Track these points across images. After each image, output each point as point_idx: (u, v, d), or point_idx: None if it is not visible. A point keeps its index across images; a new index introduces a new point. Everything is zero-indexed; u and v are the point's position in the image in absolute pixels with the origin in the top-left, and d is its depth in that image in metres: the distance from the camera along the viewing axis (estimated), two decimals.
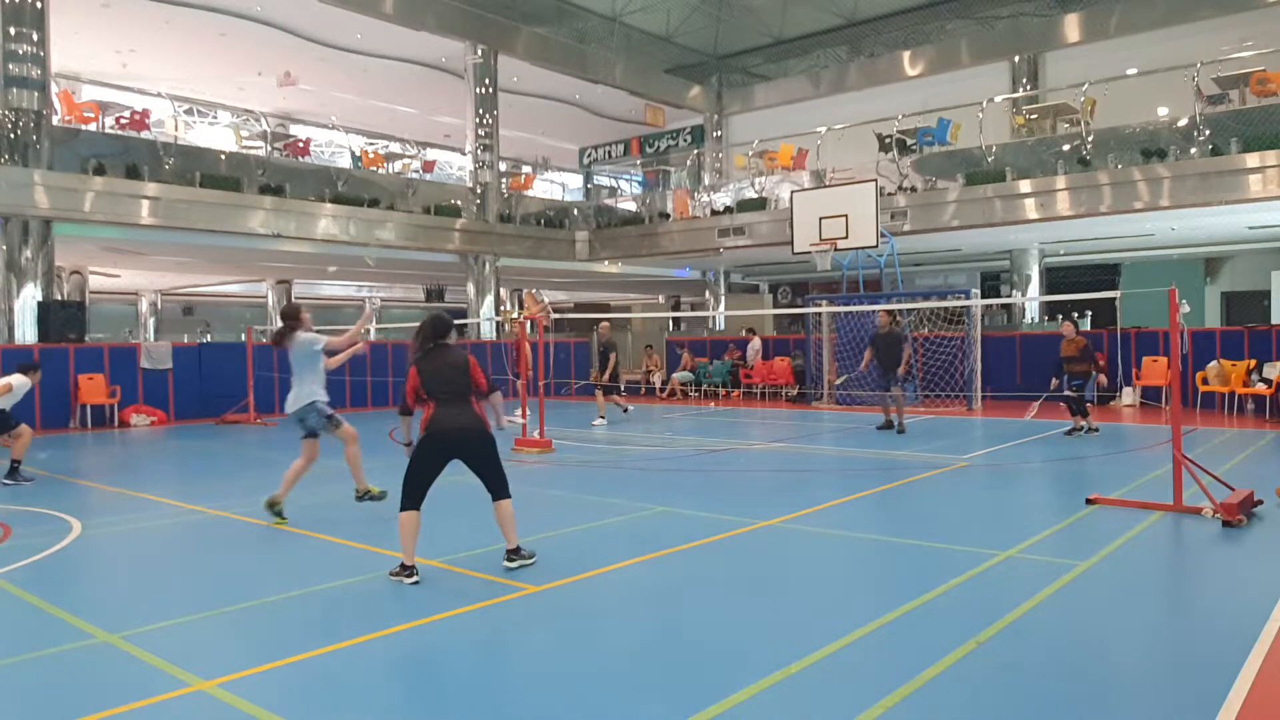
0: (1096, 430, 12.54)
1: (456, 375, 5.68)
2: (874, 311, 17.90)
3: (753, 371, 21.45)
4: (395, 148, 25.02)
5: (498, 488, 5.80)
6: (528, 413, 12.73)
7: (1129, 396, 16.98)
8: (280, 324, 7.53)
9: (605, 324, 16.66)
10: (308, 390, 7.34)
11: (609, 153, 33.16)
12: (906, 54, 26.39)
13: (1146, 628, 4.74)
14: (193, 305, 35.53)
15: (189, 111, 26.73)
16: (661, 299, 36.11)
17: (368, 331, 7.67)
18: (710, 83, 30.49)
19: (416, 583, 5.46)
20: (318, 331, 7.58)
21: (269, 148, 21.44)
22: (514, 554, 5.81)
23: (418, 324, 5.93)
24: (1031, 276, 23.50)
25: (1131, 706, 3.73)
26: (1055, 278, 27.20)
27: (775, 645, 4.35)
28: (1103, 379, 12.40)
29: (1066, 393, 12.33)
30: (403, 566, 5.54)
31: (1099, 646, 4.36)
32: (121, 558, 6.61)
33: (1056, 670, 4.04)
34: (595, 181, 34.05)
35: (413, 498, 5.60)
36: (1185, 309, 7.27)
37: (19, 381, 10.20)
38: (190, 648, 4.48)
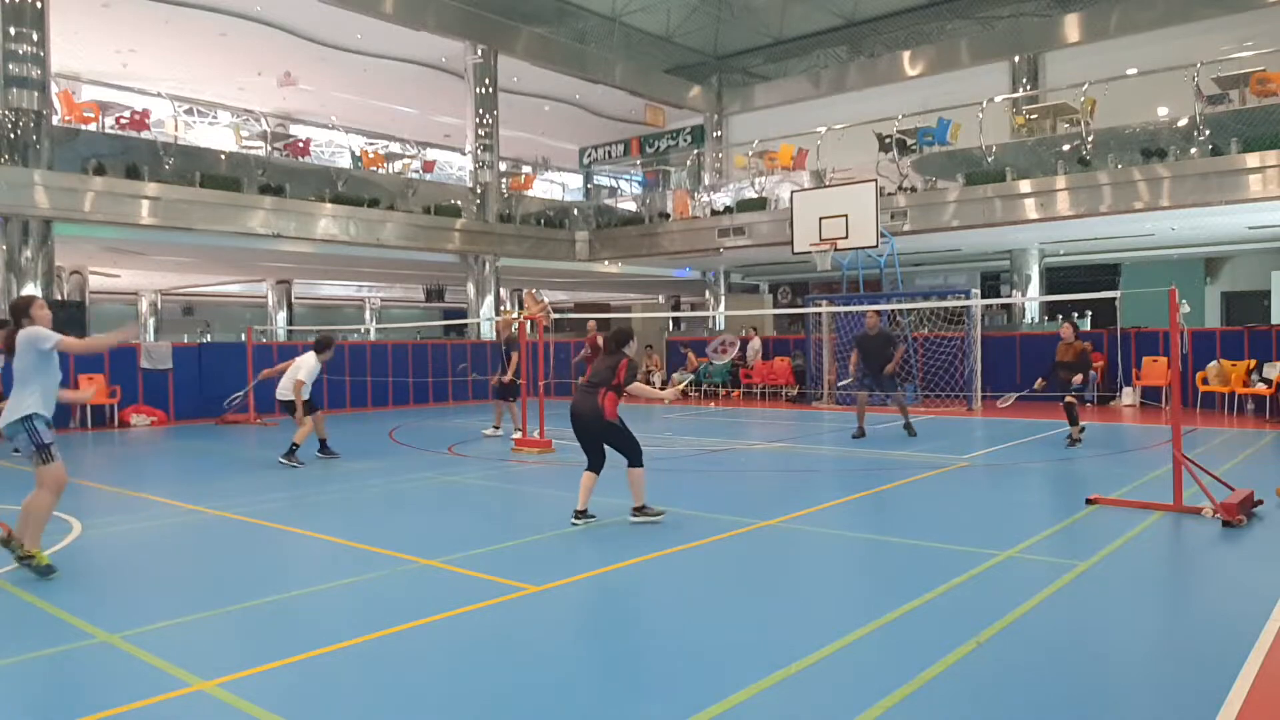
0: (1079, 443, 11.41)
1: (599, 373, 7.11)
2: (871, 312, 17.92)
3: (753, 371, 21.45)
4: (395, 148, 25.03)
5: (627, 457, 7.13)
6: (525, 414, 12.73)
7: (1129, 396, 16.98)
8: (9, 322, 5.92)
9: (504, 319, 14.38)
10: (26, 400, 5.70)
11: (609, 153, 33.17)
12: (906, 54, 26.40)
13: (1146, 628, 4.74)
14: (193, 305, 35.56)
15: (189, 111, 26.73)
16: (661, 299, 36.12)
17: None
18: (710, 83, 30.50)
19: (575, 525, 7.01)
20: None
21: (269, 148, 21.45)
22: (638, 511, 7.08)
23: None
24: (1031, 276, 23.51)
25: (1131, 706, 3.72)
26: (1055, 278, 27.21)
27: (775, 645, 4.35)
28: (1078, 378, 11.15)
29: (1068, 399, 11.31)
30: (576, 512, 7.10)
31: (1099, 646, 4.36)
32: (121, 558, 6.60)
33: (1056, 670, 4.04)
34: (595, 181, 34.06)
35: (591, 462, 7.24)
36: (1185, 309, 7.27)
37: None
38: (190, 648, 4.47)
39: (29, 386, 5.72)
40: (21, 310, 5.84)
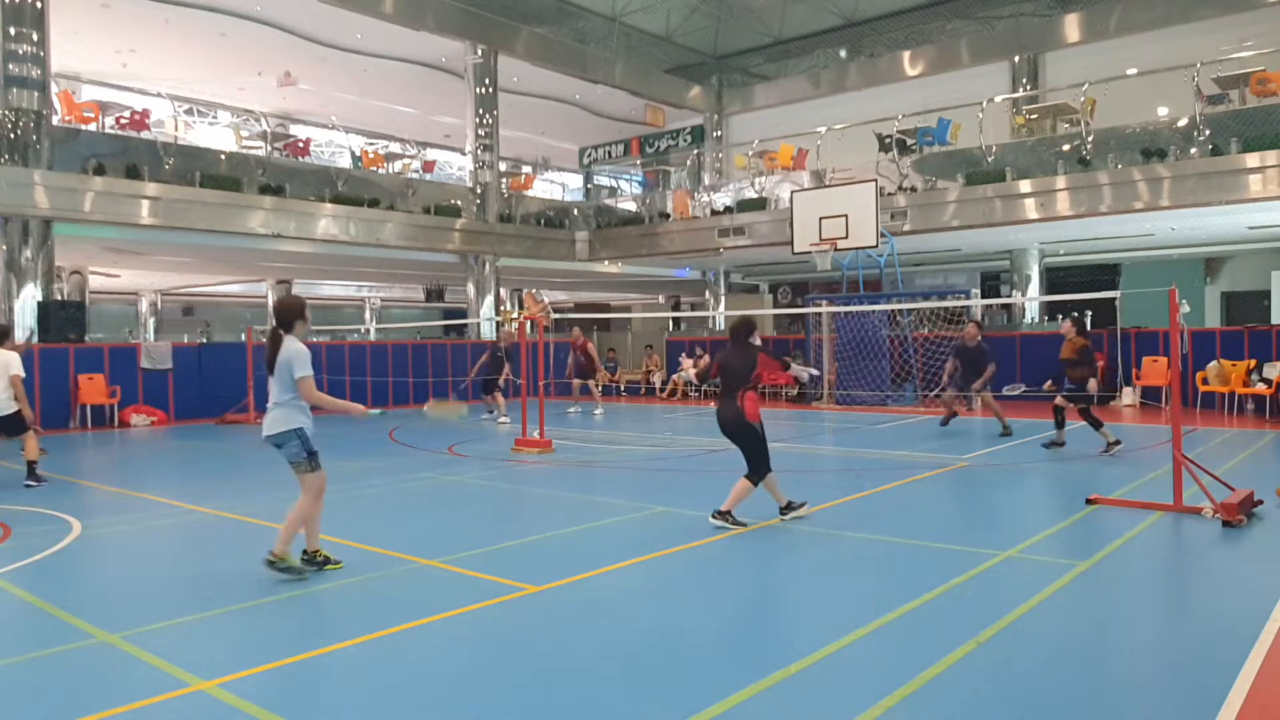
0: (1119, 443, 10.68)
1: (734, 375, 6.95)
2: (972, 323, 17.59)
3: None
4: (395, 148, 25.03)
5: (750, 465, 6.95)
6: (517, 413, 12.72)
7: (1129, 396, 16.98)
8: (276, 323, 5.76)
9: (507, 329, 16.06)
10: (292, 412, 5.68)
11: (609, 153, 33.16)
12: (906, 54, 26.39)
13: (1146, 628, 4.74)
14: (193, 305, 35.55)
15: (189, 111, 26.74)
16: (661, 299, 36.12)
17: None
18: (710, 83, 30.49)
19: (721, 525, 6.86)
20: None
21: (269, 148, 21.44)
22: (720, 514, 6.85)
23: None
24: (1031, 276, 23.50)
25: (1131, 706, 3.72)
26: (1055, 278, 27.20)
27: (775, 645, 4.35)
28: (1093, 384, 10.56)
29: (1057, 401, 10.84)
30: (720, 514, 6.93)
31: (1099, 646, 4.36)
32: (121, 558, 6.61)
33: (1056, 670, 4.04)
34: (595, 181, 34.05)
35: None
36: (1185, 309, 7.27)
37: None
38: (190, 648, 4.47)
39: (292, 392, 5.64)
40: (295, 312, 5.70)
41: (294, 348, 5.59)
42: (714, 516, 6.89)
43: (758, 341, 7.17)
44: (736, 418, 6.94)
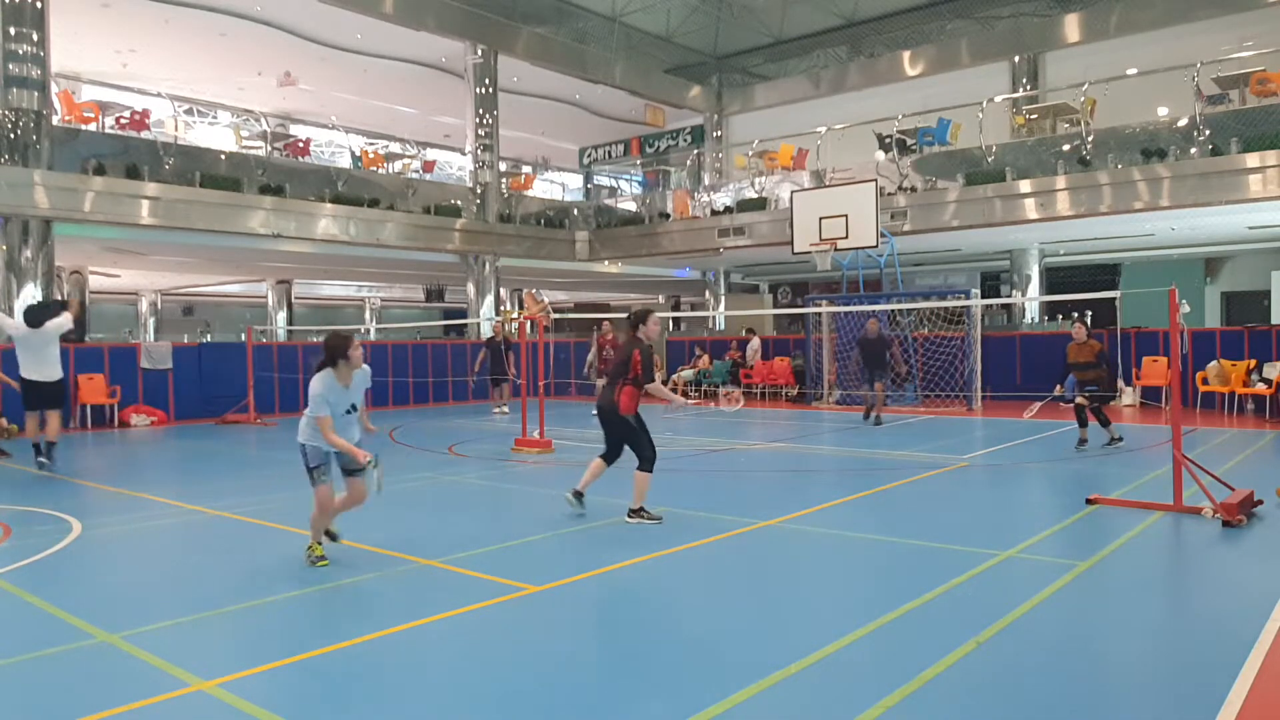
0: (1120, 440, 11.10)
1: (616, 364, 7.17)
2: (880, 313, 17.79)
3: (752, 371, 21.44)
4: (395, 148, 25.02)
5: (637, 457, 7.08)
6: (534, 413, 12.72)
7: (1129, 396, 16.98)
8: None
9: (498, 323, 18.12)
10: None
11: (609, 153, 33.16)
12: (906, 54, 26.39)
13: (1146, 628, 4.74)
14: (193, 305, 35.56)
15: (189, 111, 26.73)
16: (661, 299, 36.12)
17: None
18: (710, 83, 30.50)
19: (570, 501, 7.34)
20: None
21: (269, 148, 21.44)
22: (634, 513, 7.08)
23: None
24: (1031, 276, 23.51)
25: (1131, 707, 3.72)
26: (1055, 278, 27.21)
27: (775, 645, 4.35)
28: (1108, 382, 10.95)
29: (1079, 400, 10.94)
30: (574, 492, 7.36)
31: (1099, 647, 4.37)
32: (121, 558, 6.61)
33: (1056, 670, 4.04)
34: (595, 181, 34.05)
35: (606, 451, 7.32)
36: (1185, 309, 7.27)
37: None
38: (190, 648, 4.47)
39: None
40: (338, 351, 5.85)
41: (313, 389, 5.80)
42: (629, 516, 7.08)
43: (645, 334, 7.24)
44: (610, 407, 7.11)
